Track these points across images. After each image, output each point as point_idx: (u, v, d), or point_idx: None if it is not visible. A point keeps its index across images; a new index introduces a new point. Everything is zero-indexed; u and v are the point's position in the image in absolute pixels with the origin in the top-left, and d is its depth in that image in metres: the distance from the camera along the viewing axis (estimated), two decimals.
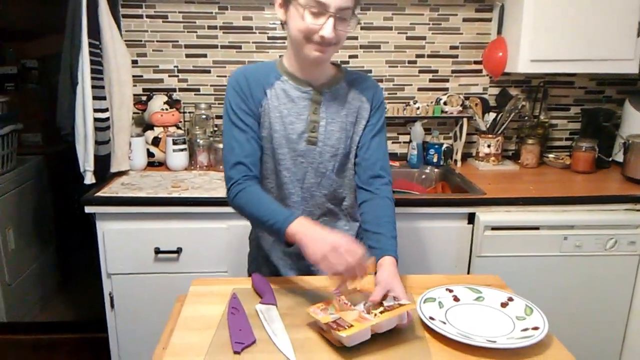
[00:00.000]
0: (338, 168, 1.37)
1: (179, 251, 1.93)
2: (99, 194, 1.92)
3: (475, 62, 2.49)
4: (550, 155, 2.50)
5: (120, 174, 2.16)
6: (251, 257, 1.55)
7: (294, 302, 1.17)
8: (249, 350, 0.99)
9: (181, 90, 2.44)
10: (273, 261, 1.42)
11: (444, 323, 1.08)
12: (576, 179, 2.26)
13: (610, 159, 2.41)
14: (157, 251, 1.92)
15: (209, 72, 2.43)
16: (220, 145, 2.25)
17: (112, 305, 1.99)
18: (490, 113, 2.44)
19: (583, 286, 2.02)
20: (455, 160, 2.46)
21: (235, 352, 0.97)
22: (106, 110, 2.02)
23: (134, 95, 2.23)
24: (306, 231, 1.13)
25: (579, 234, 1.97)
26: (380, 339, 1.03)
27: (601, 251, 1.99)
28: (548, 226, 1.97)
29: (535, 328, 1.05)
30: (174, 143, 2.21)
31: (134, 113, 2.23)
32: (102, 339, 2.11)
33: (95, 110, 1.96)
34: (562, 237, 1.97)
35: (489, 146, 2.41)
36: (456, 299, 1.18)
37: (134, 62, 2.36)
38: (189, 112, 2.42)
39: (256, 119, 1.32)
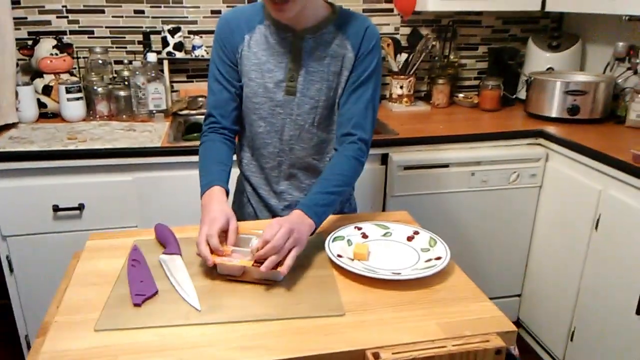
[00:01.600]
0: (320, 121, 1.27)
1: (80, 207, 1.81)
2: None
3: (386, 1, 2.46)
4: (460, 95, 2.55)
5: (8, 127, 1.97)
6: (236, 204, 1.48)
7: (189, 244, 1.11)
8: (151, 301, 0.94)
9: (72, 32, 2.22)
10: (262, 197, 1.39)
11: (352, 260, 1.08)
12: (483, 117, 2.34)
13: (515, 97, 2.50)
14: (56, 209, 1.79)
15: (102, 11, 2.22)
16: (121, 93, 2.10)
17: (11, 270, 1.85)
18: (402, 54, 2.43)
19: (489, 219, 2.13)
20: None
21: (136, 305, 0.91)
22: None
23: (18, 40, 2.01)
24: (205, 205, 1.14)
25: (485, 169, 2.05)
26: (287, 280, 1.01)
27: (505, 185, 2.09)
28: (457, 163, 2.03)
29: (438, 258, 1.07)
30: (68, 91, 2.04)
31: (18, 59, 2.01)
32: (4, 305, 1.98)
33: None
34: (470, 173, 2.04)
35: (401, 87, 2.42)
36: (365, 235, 1.18)
37: (16, 2, 2.11)
38: (83, 57, 2.23)
39: (234, 67, 1.26)
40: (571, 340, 1.97)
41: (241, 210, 1.44)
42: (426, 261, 1.08)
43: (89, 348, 0.82)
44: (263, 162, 1.34)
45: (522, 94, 2.46)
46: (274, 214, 1.38)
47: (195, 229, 1.22)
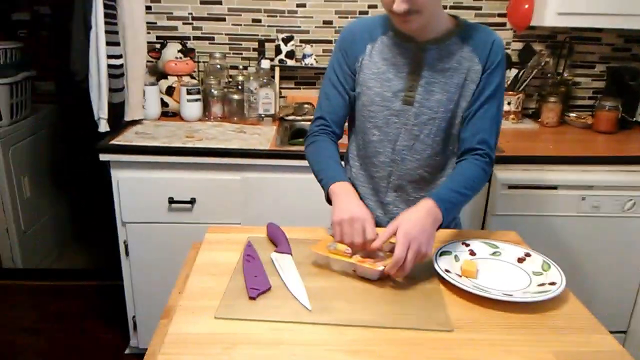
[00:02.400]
0: (436, 133, 1.26)
1: (192, 202, 1.93)
2: (113, 142, 1.91)
3: (499, 15, 2.40)
4: (572, 115, 2.43)
5: (134, 122, 2.15)
6: None
7: (309, 251, 1.15)
8: (264, 296, 0.99)
9: (195, 38, 2.39)
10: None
11: (460, 276, 1.07)
12: (597, 138, 2.21)
13: (634, 120, 2.34)
14: (171, 201, 1.92)
15: (224, 19, 2.37)
16: (235, 97, 2.22)
17: (127, 253, 2.01)
18: (512, 69, 2.36)
19: (599, 248, 2.01)
20: None
21: (251, 298, 0.97)
22: (120, 57, 1.99)
23: (148, 43, 2.19)
24: (340, 194, 1.16)
25: (598, 195, 1.94)
26: (394, 289, 1.02)
27: (619, 212, 1.96)
28: (566, 186, 1.93)
29: (552, 283, 1.04)
30: (188, 93, 2.18)
31: (147, 61, 2.19)
32: (117, 286, 2.15)
33: (109, 57, 1.92)
34: (580, 197, 1.94)
35: (509, 103, 2.35)
36: (472, 253, 1.17)
37: (148, 8, 2.30)
38: (203, 62, 2.38)
39: (352, 75, 1.30)
40: None
41: None
42: (539, 285, 1.04)
43: (210, 333, 0.88)
44: (373, 172, 1.35)
45: None
46: (378, 225, 1.40)
47: (303, 230, 1.27)
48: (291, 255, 1.13)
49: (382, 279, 1.05)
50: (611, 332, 0.91)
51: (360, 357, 0.83)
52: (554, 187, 1.94)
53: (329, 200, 1.21)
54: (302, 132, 2.22)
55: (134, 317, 2.13)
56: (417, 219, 1.06)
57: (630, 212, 1.96)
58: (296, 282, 1.03)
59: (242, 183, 1.92)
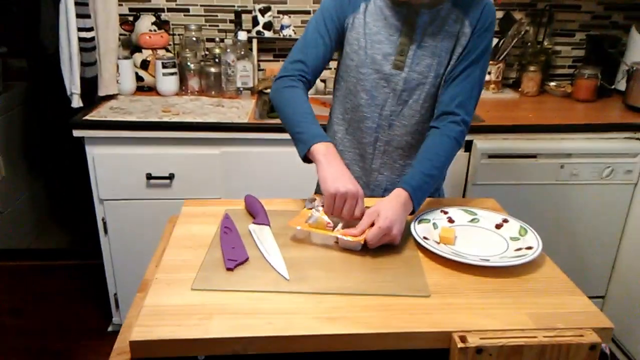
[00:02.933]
0: (425, 99, 1.25)
1: (171, 177, 1.91)
2: (87, 117, 1.87)
3: None
4: (552, 84, 2.43)
5: (109, 97, 2.10)
6: None
7: (288, 225, 1.14)
8: (242, 267, 0.98)
9: (170, 10, 2.32)
10: None
11: (438, 243, 1.07)
12: (577, 107, 2.22)
13: (613, 87, 2.35)
14: (149, 177, 1.90)
15: None
16: (212, 70, 2.17)
17: (105, 231, 1.99)
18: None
19: (577, 214, 2.03)
20: None
21: (228, 269, 0.96)
22: (91, 29, 1.93)
23: (120, 15, 2.12)
24: (327, 162, 1.10)
25: (576, 162, 1.95)
26: (373, 257, 1.02)
27: (597, 179, 1.98)
28: (545, 154, 1.95)
29: (529, 248, 1.04)
30: (164, 66, 2.13)
31: (120, 34, 2.13)
32: (97, 264, 2.13)
33: (80, 30, 1.87)
34: (559, 165, 1.95)
35: (489, 73, 2.34)
36: (451, 220, 1.17)
37: None
38: (179, 35, 2.32)
39: (340, 29, 1.26)
40: None
41: None
42: (516, 250, 1.05)
43: (186, 305, 0.87)
44: (359, 137, 1.33)
45: (621, 85, 2.30)
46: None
47: (281, 202, 1.26)
48: (269, 226, 1.12)
49: (362, 249, 1.04)
50: (589, 297, 0.92)
51: (338, 324, 0.83)
52: (534, 156, 1.95)
53: (306, 159, 1.17)
54: None
55: (115, 294, 2.12)
56: (393, 207, 1.06)
57: (608, 179, 1.98)
58: (274, 252, 1.02)
59: (221, 157, 1.90)
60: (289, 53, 1.29)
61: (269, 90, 2.25)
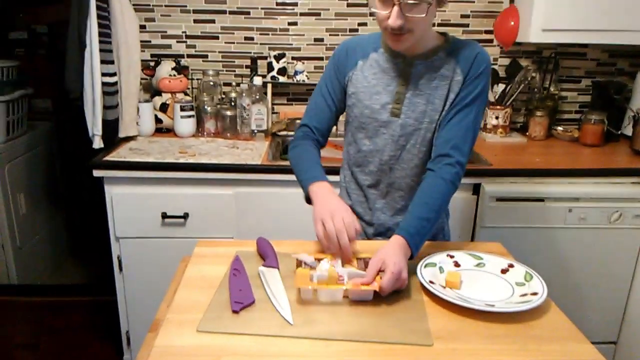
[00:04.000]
0: (422, 144, 1.30)
1: (185, 216, 1.96)
2: (107, 158, 1.94)
3: (486, 32, 2.45)
4: (559, 128, 2.47)
5: (128, 139, 2.18)
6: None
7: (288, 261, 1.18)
8: (248, 309, 1.01)
9: (189, 56, 2.43)
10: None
11: (444, 287, 1.09)
12: (584, 151, 2.24)
13: (619, 132, 2.38)
14: (165, 216, 1.95)
15: (217, 37, 2.42)
16: (228, 113, 2.25)
17: (120, 269, 2.03)
18: (500, 84, 2.41)
19: (586, 258, 2.03)
20: None
21: (234, 311, 0.99)
22: (114, 74, 2.03)
23: (142, 60, 2.23)
24: (320, 194, 1.22)
25: (584, 207, 1.96)
26: (378, 303, 1.04)
27: (605, 224, 1.99)
28: (553, 198, 1.96)
29: (534, 293, 1.06)
30: (182, 109, 2.22)
31: (141, 79, 2.23)
32: (111, 301, 2.16)
33: (104, 75, 1.96)
34: (567, 209, 1.96)
35: (497, 118, 2.39)
36: (457, 264, 1.19)
37: (142, 27, 2.35)
38: (197, 79, 2.42)
39: (341, 88, 1.37)
40: None
41: None
42: (521, 295, 1.07)
43: (195, 346, 0.90)
44: (363, 180, 1.40)
45: (628, 130, 2.34)
46: (364, 234, 1.44)
47: (291, 243, 1.29)
48: (278, 269, 1.16)
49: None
50: (601, 343, 0.94)
51: None
52: (542, 200, 1.96)
53: (308, 200, 1.27)
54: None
55: (127, 331, 2.14)
56: (396, 253, 1.09)
57: (617, 224, 1.98)
58: (280, 295, 1.05)
59: (235, 198, 1.95)
60: (301, 98, 1.41)
61: (282, 133, 2.34)
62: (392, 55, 1.29)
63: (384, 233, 1.41)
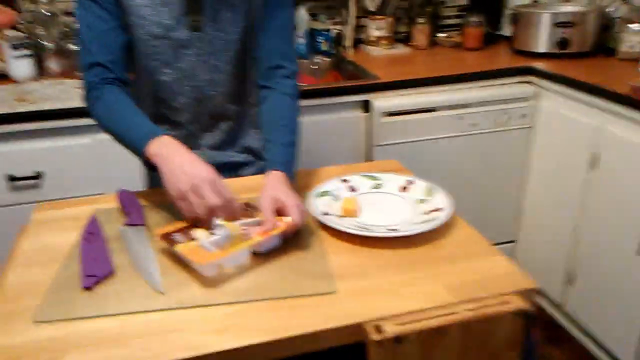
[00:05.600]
0: (237, 58, 1.10)
1: (38, 176, 1.65)
2: None
3: None
4: (442, 35, 2.39)
5: None
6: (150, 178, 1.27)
7: (168, 220, 0.97)
8: (105, 283, 0.79)
9: None
10: None
11: (341, 217, 0.95)
12: (468, 56, 2.19)
13: (498, 33, 2.35)
14: (12, 178, 1.62)
15: None
16: (74, 48, 1.89)
17: None
18: None
19: (479, 163, 2.03)
20: (346, 47, 2.28)
21: (86, 288, 0.77)
22: None
23: None
24: (166, 156, 0.89)
25: (474, 112, 1.93)
26: (267, 254, 0.87)
27: (494, 127, 1.98)
28: (444, 107, 1.90)
29: (438, 210, 0.95)
30: (14, 48, 1.82)
31: None
32: None
33: None
34: (458, 116, 1.92)
35: (379, 29, 2.25)
36: (352, 189, 1.05)
37: None
38: (30, 11, 1.99)
39: (116, 4, 1.02)
40: (570, 284, 1.90)
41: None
42: (425, 213, 0.95)
43: (29, 343, 0.68)
44: (174, 116, 1.15)
45: (507, 30, 2.31)
46: None
47: (162, 193, 1.07)
48: (144, 226, 0.94)
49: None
50: (501, 244, 0.85)
51: (229, 335, 0.69)
52: (433, 110, 1.90)
53: (149, 166, 0.94)
54: None
55: None
56: (284, 188, 0.92)
57: (506, 126, 1.98)
58: (147, 259, 0.84)
59: (95, 147, 1.67)
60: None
61: None
62: None
63: (220, 169, 1.05)
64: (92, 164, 1.68)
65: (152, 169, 0.94)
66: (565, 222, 1.88)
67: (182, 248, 0.82)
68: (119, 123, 0.99)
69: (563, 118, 1.85)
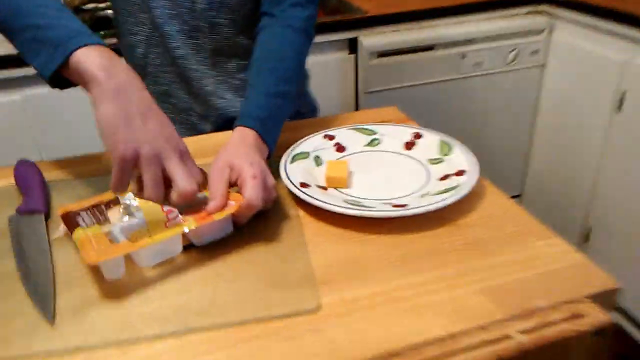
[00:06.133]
0: None
1: None
2: None
3: None
4: None
5: None
6: None
7: (76, 196, 0.69)
8: None
9: None
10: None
11: (324, 189, 0.68)
12: None
13: None
14: None
15: None
16: None
17: None
18: None
19: (484, 109, 1.79)
20: None
21: None
22: None
23: None
24: (117, 82, 0.58)
25: (478, 49, 1.67)
26: (223, 249, 0.61)
27: (502, 66, 1.72)
28: (444, 44, 1.64)
29: (460, 173, 0.68)
30: None
31: None
32: None
33: None
34: (460, 55, 1.66)
35: None
36: (340, 148, 0.78)
37: None
38: None
39: None
40: (586, 241, 1.69)
41: None
42: (440, 179, 0.69)
43: None
44: (171, 50, 0.88)
45: None
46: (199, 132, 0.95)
47: (87, 159, 0.80)
48: (44, 212, 0.66)
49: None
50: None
51: None
52: (431, 48, 1.64)
53: (54, 80, 0.63)
54: (107, 22, 1.66)
55: None
56: (247, 152, 0.65)
57: (514, 65, 1.72)
58: (38, 265, 0.57)
59: (25, 105, 1.40)
60: None
61: (90, 6, 1.70)
62: None
63: (229, 127, 0.90)
64: (21, 127, 1.42)
65: (54, 84, 0.64)
66: (582, 172, 1.68)
67: (81, 235, 0.55)
68: (39, 14, 0.63)
69: (582, 53, 1.62)
